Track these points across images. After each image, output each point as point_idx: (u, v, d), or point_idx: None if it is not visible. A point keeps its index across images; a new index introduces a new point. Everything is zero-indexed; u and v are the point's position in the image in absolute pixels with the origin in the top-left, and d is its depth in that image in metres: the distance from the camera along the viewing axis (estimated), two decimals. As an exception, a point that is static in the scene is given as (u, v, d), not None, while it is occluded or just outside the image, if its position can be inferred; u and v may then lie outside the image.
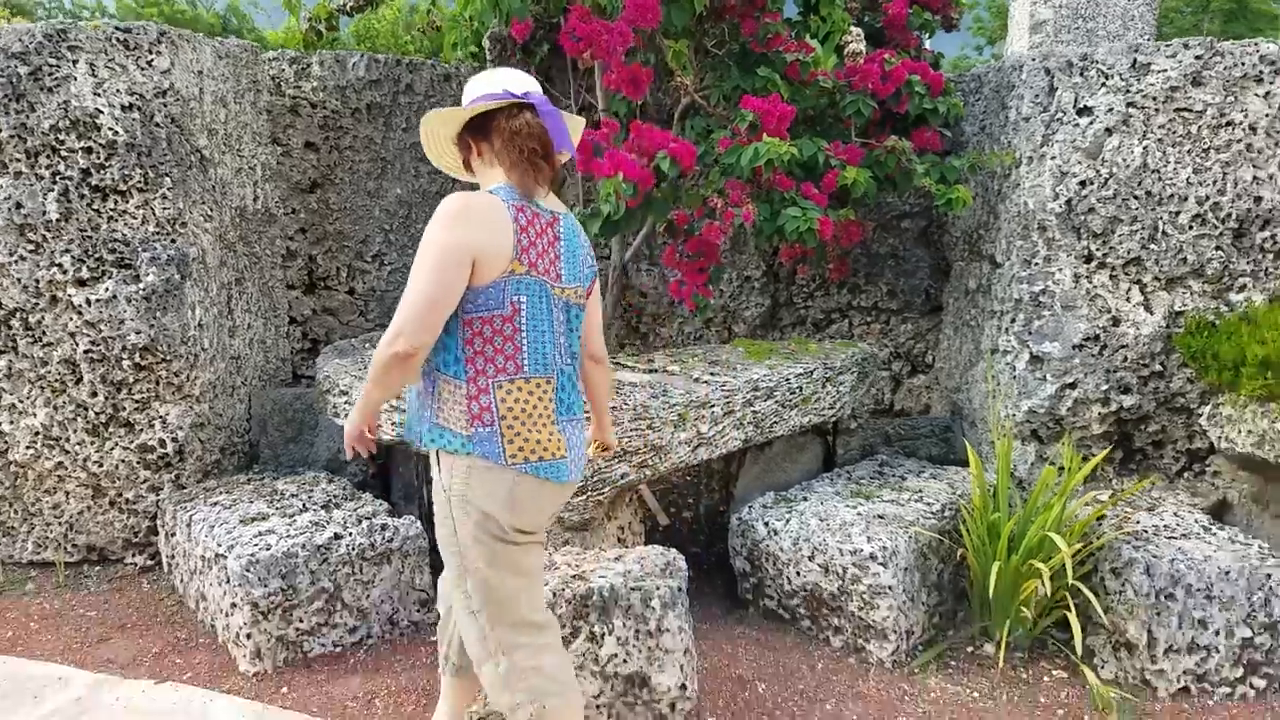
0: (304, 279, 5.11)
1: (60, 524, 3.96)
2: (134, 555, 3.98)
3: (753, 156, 3.43)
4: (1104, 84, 3.62)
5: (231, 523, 3.39)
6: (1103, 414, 3.72)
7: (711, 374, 3.62)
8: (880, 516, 3.42)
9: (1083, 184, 3.65)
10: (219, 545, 3.23)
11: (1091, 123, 3.63)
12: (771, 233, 3.64)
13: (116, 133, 3.73)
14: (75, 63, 3.69)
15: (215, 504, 3.62)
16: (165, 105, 3.83)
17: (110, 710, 2.90)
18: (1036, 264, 3.75)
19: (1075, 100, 3.67)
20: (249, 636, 3.11)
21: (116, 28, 3.76)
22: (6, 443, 3.90)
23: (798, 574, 3.37)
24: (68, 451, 3.89)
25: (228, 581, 3.14)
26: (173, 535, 3.65)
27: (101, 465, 3.89)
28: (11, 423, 3.89)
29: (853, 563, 3.22)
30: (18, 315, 3.81)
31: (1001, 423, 3.89)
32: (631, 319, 5.33)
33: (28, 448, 3.89)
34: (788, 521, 3.43)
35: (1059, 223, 3.68)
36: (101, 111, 3.72)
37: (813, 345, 4.25)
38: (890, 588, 3.18)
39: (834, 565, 3.26)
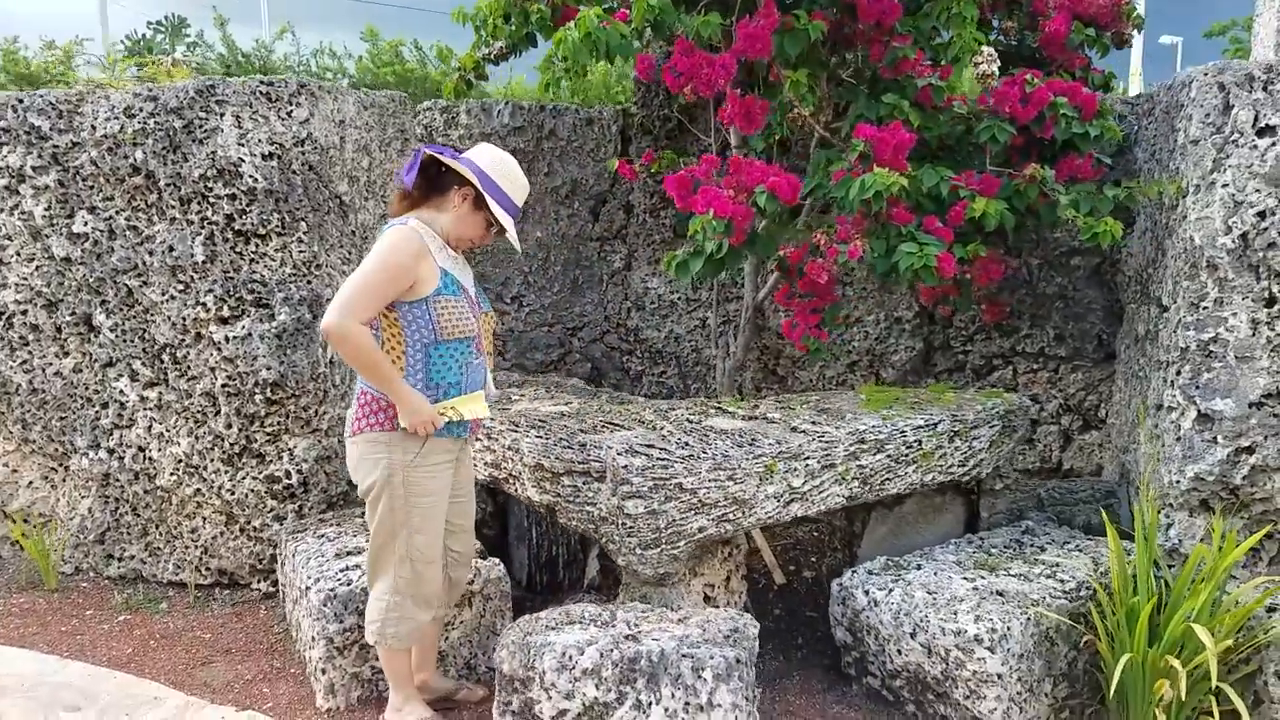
0: (448, 319, 5.23)
1: (196, 547, 4.18)
2: (259, 581, 4.14)
3: (860, 189, 3.16)
4: (1290, 98, 3.09)
5: (327, 555, 3.44)
6: (1288, 485, 3.13)
7: (813, 423, 3.34)
8: (999, 593, 3.01)
9: (1261, 215, 3.11)
10: (309, 577, 3.28)
11: (1274, 144, 3.10)
12: (886, 271, 3.33)
13: (256, 180, 3.94)
14: (222, 115, 3.94)
15: (322, 536, 3.70)
16: (303, 153, 4.01)
17: (187, 734, 2.98)
18: (1205, 308, 3.23)
19: (1255, 119, 3.15)
20: (324, 671, 3.12)
21: (262, 81, 3.99)
22: (155, 468, 4.18)
23: (899, 652, 3.02)
24: (205, 479, 4.11)
25: (309, 614, 3.17)
26: (284, 565, 3.76)
27: (234, 493, 4.09)
28: (160, 450, 4.16)
29: (956, 644, 2.84)
30: (168, 350, 4.08)
31: (1165, 490, 3.36)
32: (768, 361, 5.10)
33: (171, 474, 4.15)
34: (890, 592, 3.09)
35: (1232, 260, 3.16)
36: (244, 160, 3.94)
37: (950, 394, 3.86)
38: (999, 676, 2.78)
39: (936, 646, 2.89)
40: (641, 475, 2.93)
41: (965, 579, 3.13)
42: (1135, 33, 4.19)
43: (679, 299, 5.24)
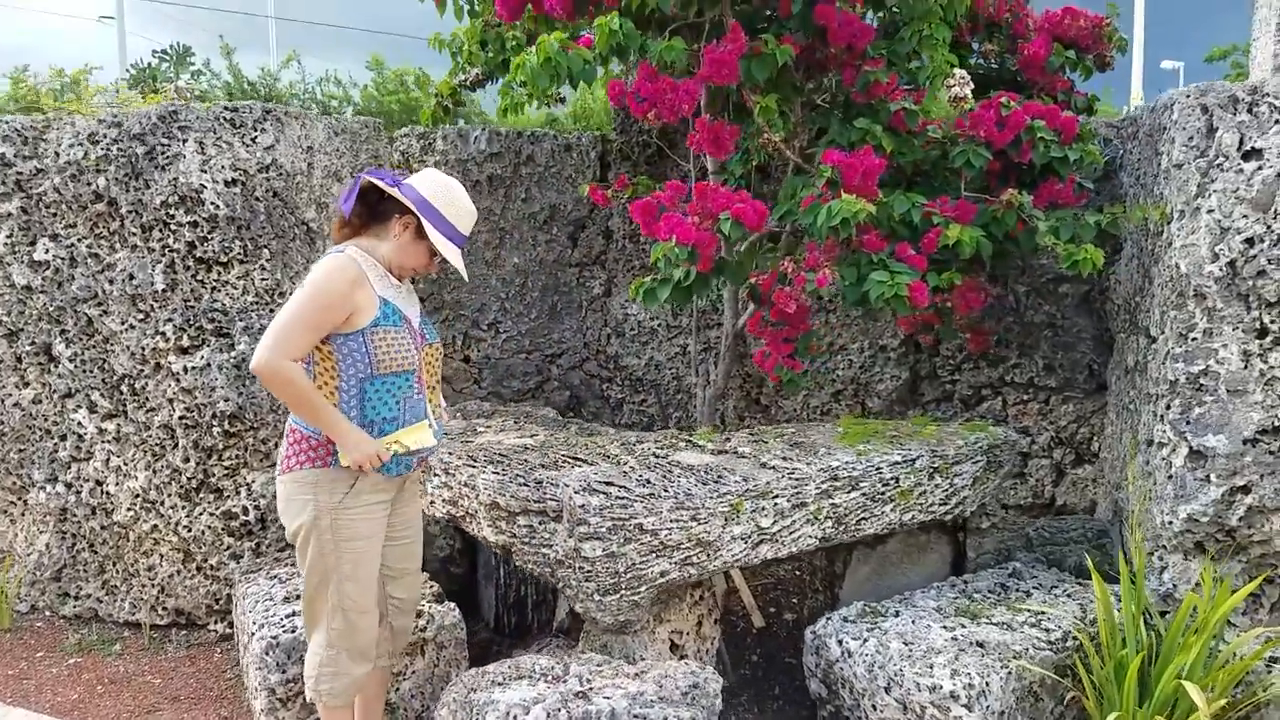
0: (423, 348, 5.11)
1: (153, 586, 4.04)
2: (216, 622, 4.00)
3: (826, 216, 3.02)
4: (1278, 121, 2.94)
5: (275, 599, 3.30)
6: (1285, 527, 2.96)
7: (784, 459, 3.19)
8: (979, 644, 2.84)
9: (1249, 241, 2.96)
10: (254, 623, 3.13)
11: (1260, 168, 2.95)
12: (857, 300, 3.19)
13: (218, 207, 3.83)
14: (185, 141, 3.83)
15: (274, 577, 3.55)
16: (268, 179, 3.90)
17: (119, 791, 2.82)
18: (1194, 339, 3.07)
19: (1240, 142, 3.00)
20: (266, 724, 2.97)
21: (225, 107, 3.89)
22: (113, 503, 4.04)
23: (874, 708, 2.85)
24: (162, 515, 3.98)
25: (252, 663, 3.02)
26: (237, 607, 3.62)
27: (190, 530, 3.95)
28: (116, 484, 4.03)
29: (931, 701, 2.67)
30: (126, 381, 3.96)
31: (1158, 531, 3.19)
32: (751, 390, 4.95)
33: (128, 509, 4.02)
34: (864, 642, 2.92)
35: (1220, 289, 3.00)
36: (206, 187, 3.83)
37: (931, 427, 3.70)
38: (975, 733, 2.60)
39: (911, 702, 2.72)
40: (599, 515, 2.78)
41: (945, 628, 2.96)
42: (1118, 54, 4.06)
43: (659, 325, 5.11)
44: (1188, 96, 3.12)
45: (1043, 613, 3.03)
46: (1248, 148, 2.98)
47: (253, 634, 3.08)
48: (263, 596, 3.33)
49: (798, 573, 4.35)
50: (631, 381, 5.22)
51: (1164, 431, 3.16)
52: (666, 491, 2.86)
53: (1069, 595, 3.21)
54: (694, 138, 3.48)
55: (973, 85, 3.35)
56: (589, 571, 2.82)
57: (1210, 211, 3.00)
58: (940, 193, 3.44)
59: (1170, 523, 3.13)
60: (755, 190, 3.84)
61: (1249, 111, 3.00)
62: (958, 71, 3.36)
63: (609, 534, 2.78)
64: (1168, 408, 3.15)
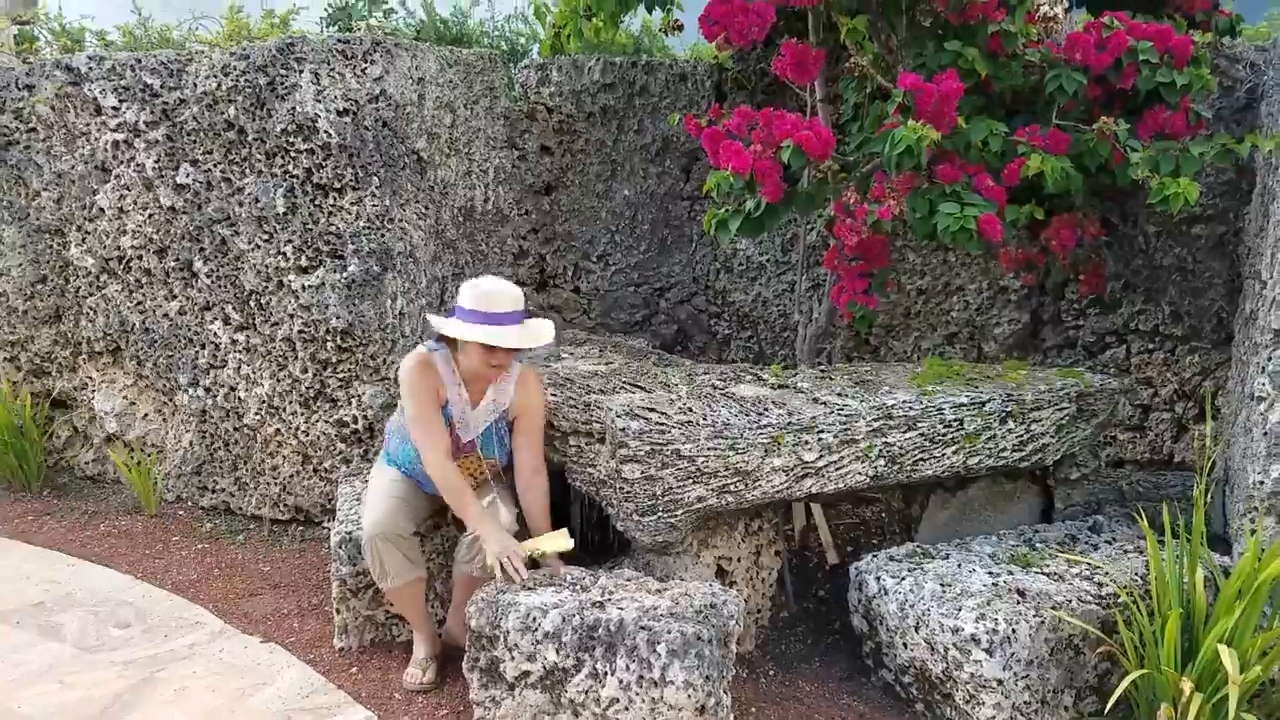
0: (535, 277, 5.26)
1: (276, 484, 4.43)
2: (328, 520, 4.34)
3: (891, 144, 2.90)
4: None
5: (360, 500, 3.55)
6: (1386, 495, 2.68)
7: (839, 395, 3.13)
8: (1019, 591, 2.74)
9: (1372, 175, 2.64)
10: (336, 520, 3.40)
11: (1395, 91, 2.62)
12: (927, 233, 3.06)
13: (331, 135, 4.07)
14: (301, 72, 4.08)
15: (368, 480, 3.81)
16: (377, 110, 4.10)
17: (210, 659, 3.17)
18: (1303, 284, 2.79)
19: (1378, 61, 2.67)
20: (338, 612, 3.24)
21: (339, 39, 4.10)
22: (243, 407, 4.44)
23: (905, 646, 2.81)
24: (284, 420, 4.34)
25: (330, 555, 3.29)
26: (338, 506, 3.92)
27: (308, 435, 4.29)
28: (246, 390, 4.42)
29: (953, 643, 2.61)
30: (254, 296, 4.31)
31: (1250, 491, 2.95)
32: (861, 330, 4.82)
33: (256, 414, 4.40)
34: (901, 580, 2.87)
35: (1335, 229, 2.70)
36: (320, 116, 4.08)
37: (1019, 372, 3.53)
38: (999, 681, 2.54)
39: (937, 643, 2.67)
40: (639, 439, 2.84)
41: (990, 573, 2.87)
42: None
43: (768, 261, 5.05)
44: (1316, 12, 2.79)
45: (1099, 567, 2.87)
46: (1378, 69, 2.65)
47: (334, 529, 3.35)
48: (351, 496, 3.61)
49: (882, 514, 4.27)
50: (739, 317, 5.20)
51: (1263, 384, 2.91)
52: (705, 420, 2.89)
53: (1139, 552, 3.02)
54: (779, 62, 3.40)
55: (1066, 3, 3.09)
56: (628, 492, 2.90)
57: (1327, 142, 2.70)
58: (1038, 121, 3.22)
59: (1262, 482, 2.89)
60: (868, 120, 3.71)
61: (1385, 28, 2.65)
62: (1050, -12, 3.12)
63: (647, 457, 2.84)
64: (1269, 358, 2.89)
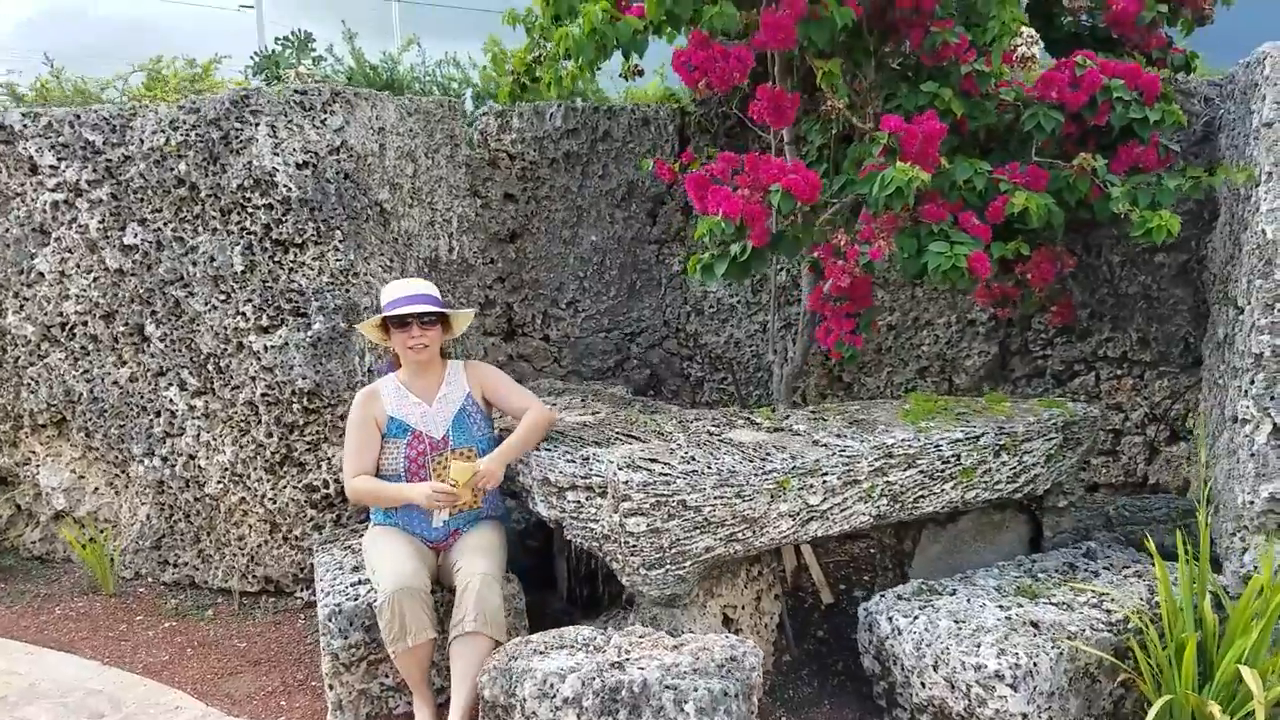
0: (503, 326, 5.19)
1: (243, 555, 4.25)
2: (301, 590, 4.17)
3: (880, 185, 2.93)
4: (1377, 69, 2.72)
5: (345, 569, 3.42)
6: (1377, 510, 2.76)
7: (838, 436, 3.12)
8: (1033, 624, 2.75)
9: (1343, 202, 2.75)
10: (322, 591, 3.26)
11: (1358, 121, 2.74)
12: (917, 273, 3.09)
13: (290, 189, 3.96)
14: (257, 125, 3.97)
15: (348, 548, 3.68)
16: (338, 161, 4.01)
17: (195, 745, 2.99)
18: (1281, 308, 2.87)
19: (1337, 94, 2.79)
20: (331, 688, 3.09)
21: (296, 90, 4.01)
22: (204, 476, 4.26)
23: (923, 685, 2.79)
24: (249, 487, 4.17)
25: (319, 629, 3.15)
26: (316, 576, 3.77)
27: (275, 502, 4.13)
28: (207, 458, 4.24)
29: (976, 680, 2.59)
30: (212, 359, 4.16)
31: (1239, 511, 3.01)
32: (833, 367, 4.85)
33: (218, 482, 4.22)
34: (914, 619, 2.86)
35: (1310, 254, 2.80)
36: (278, 170, 3.97)
37: (1005, 404, 3.57)
38: (1024, 715, 2.52)
39: (958, 680, 2.65)
40: (643, 491, 2.78)
41: (1000, 607, 2.87)
42: (1221, 5, 3.79)
43: (739, 302, 5.06)
44: (1279, 51, 2.91)
45: (1106, 593, 2.90)
46: (1341, 101, 2.77)
47: (320, 601, 3.20)
48: (334, 565, 3.47)
49: (871, 550, 4.27)
50: (711, 359, 5.19)
51: (1247, 407, 2.98)
52: (710, 469, 2.85)
53: (1139, 576, 3.06)
54: (755, 106, 3.42)
55: (1041, 44, 3.18)
56: (634, 546, 2.83)
57: (1298, 171, 2.80)
58: (1016, 159, 3.29)
59: (1252, 502, 2.95)
60: (837, 161, 3.75)
61: (1345, 62, 2.78)
62: (1025, 30, 3.21)
63: (652, 510, 2.79)
64: (1252, 382, 2.97)
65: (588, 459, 2.99)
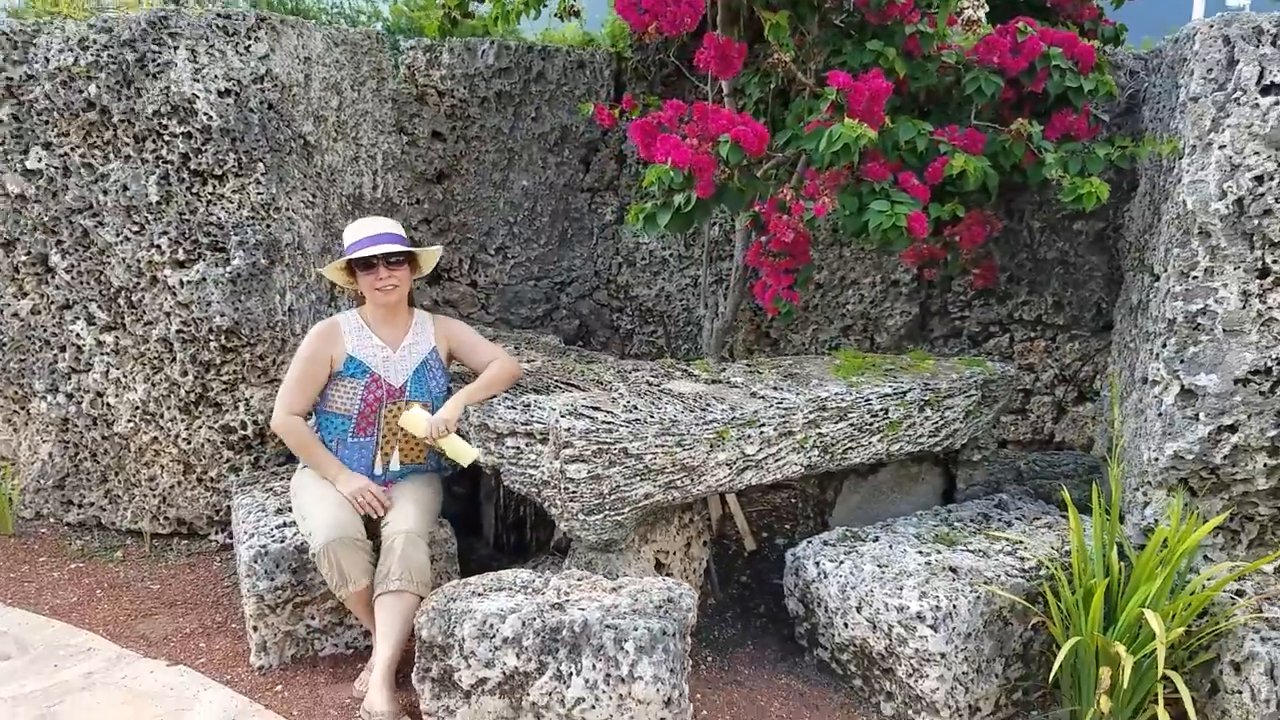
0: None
1: (155, 496, 4.11)
2: (217, 533, 4.07)
3: (828, 142, 2.96)
4: (1299, 52, 2.85)
5: (268, 511, 3.35)
6: (1270, 466, 2.95)
7: (775, 389, 3.18)
8: (951, 569, 2.87)
9: (1259, 179, 2.89)
10: (245, 533, 3.18)
11: (1278, 103, 2.87)
12: (855, 230, 3.15)
13: (211, 118, 3.79)
14: (176, 49, 3.78)
15: (270, 490, 3.60)
16: (263, 91, 3.85)
17: (112, 688, 2.91)
18: (1195, 277, 3.02)
19: (1260, 75, 2.92)
20: (255, 629, 3.03)
21: (218, 14, 3.81)
22: (113, 415, 4.09)
23: (845, 626, 2.89)
24: (162, 427, 4.02)
25: (241, 571, 3.08)
26: (235, 518, 3.67)
27: (190, 443, 4.00)
28: (116, 396, 4.07)
29: (898, 620, 2.70)
30: (123, 294, 3.97)
31: (1144, 467, 3.19)
32: (760, 324, 4.91)
33: (128, 421, 4.06)
34: (839, 564, 2.95)
35: (1225, 227, 2.95)
36: (198, 97, 3.79)
37: (929, 361, 3.69)
38: (942, 655, 2.64)
39: (880, 621, 2.76)
40: (585, 438, 2.79)
41: (920, 553, 2.99)
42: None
43: (671, 256, 5.07)
44: (1210, 27, 3.03)
45: (1020, 542, 3.05)
46: (1267, 82, 2.90)
47: (243, 543, 3.13)
48: (255, 508, 3.39)
49: (792, 500, 4.38)
50: (641, 312, 5.20)
51: (1158, 370, 3.14)
52: (653, 418, 2.87)
53: (1049, 527, 3.22)
54: (701, 55, 3.40)
55: (986, 8, 3.25)
56: (574, 492, 2.84)
57: (1222, 147, 2.93)
58: (954, 121, 3.36)
59: (1156, 459, 3.12)
60: (774, 115, 3.76)
61: (1273, 44, 2.91)
62: (969, -6, 3.27)
63: (594, 456, 2.80)
64: (1164, 346, 3.12)
65: (528, 405, 2.98)
